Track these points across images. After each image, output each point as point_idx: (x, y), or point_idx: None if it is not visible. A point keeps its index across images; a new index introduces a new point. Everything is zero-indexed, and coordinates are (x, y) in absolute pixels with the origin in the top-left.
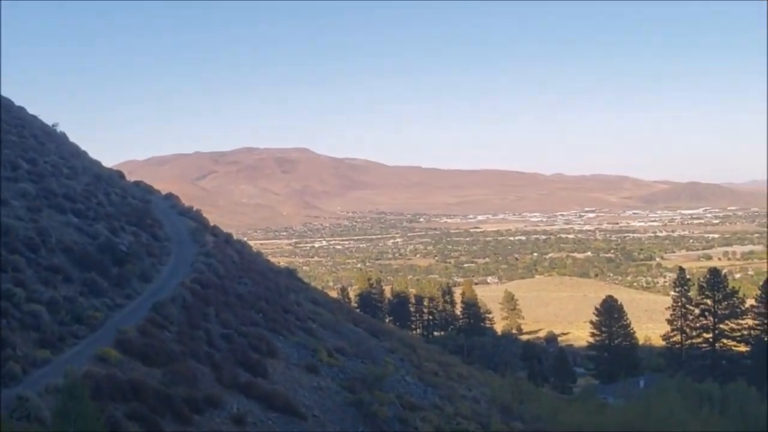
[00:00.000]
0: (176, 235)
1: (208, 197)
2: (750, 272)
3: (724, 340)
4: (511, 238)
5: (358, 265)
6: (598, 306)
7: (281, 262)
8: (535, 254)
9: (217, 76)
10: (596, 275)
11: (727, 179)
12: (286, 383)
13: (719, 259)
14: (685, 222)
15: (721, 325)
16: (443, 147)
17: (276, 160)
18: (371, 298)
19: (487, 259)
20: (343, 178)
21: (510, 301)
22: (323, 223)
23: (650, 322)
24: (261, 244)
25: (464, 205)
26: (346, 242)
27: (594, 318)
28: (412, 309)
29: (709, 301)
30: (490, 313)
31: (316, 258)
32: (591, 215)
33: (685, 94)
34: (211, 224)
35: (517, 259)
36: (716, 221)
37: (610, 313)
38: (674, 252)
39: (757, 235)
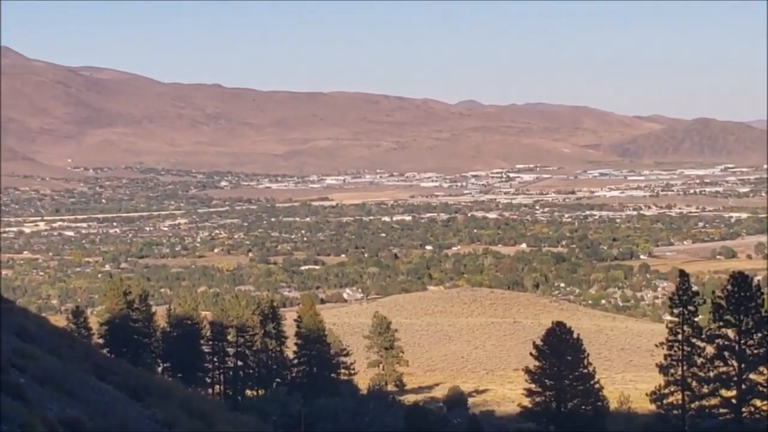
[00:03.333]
0: None
1: None
2: None
3: (758, 402)
4: (386, 219)
5: (106, 268)
6: (538, 341)
7: None
8: (428, 248)
9: None
10: (536, 286)
11: (759, 116)
12: None
13: (749, 257)
14: (690, 190)
15: (753, 375)
16: (261, 57)
17: None
18: (130, 328)
19: (344, 257)
20: (76, 103)
21: (384, 332)
22: (41, 188)
23: (630, 370)
24: None
25: (300, 158)
26: (83, 224)
27: (532, 363)
28: (206, 348)
29: (731, 333)
30: (347, 355)
31: (26, 254)
32: (528, 177)
33: None
34: None
35: (396, 256)
36: (744, 188)
37: (559, 353)
38: (671, 244)
39: None
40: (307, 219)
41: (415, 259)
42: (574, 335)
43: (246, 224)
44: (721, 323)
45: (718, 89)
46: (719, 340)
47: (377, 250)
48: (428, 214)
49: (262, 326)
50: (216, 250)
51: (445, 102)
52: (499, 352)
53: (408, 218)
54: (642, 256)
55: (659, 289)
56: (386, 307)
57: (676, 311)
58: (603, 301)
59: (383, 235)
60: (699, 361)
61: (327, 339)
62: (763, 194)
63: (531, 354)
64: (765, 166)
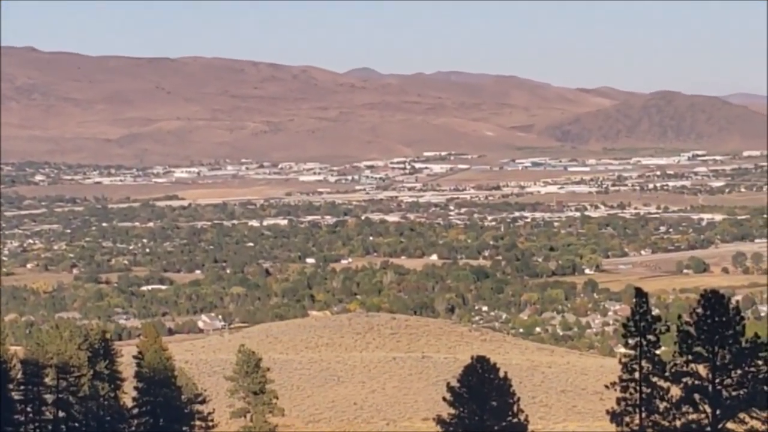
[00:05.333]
0: None
1: None
2: None
3: None
4: (254, 224)
5: None
6: (454, 382)
7: None
8: (310, 261)
9: None
10: (451, 309)
11: (738, 89)
12: None
13: (725, 271)
14: (649, 184)
15: (731, 424)
16: (88, 12)
17: None
18: None
19: (199, 274)
20: None
21: (252, 372)
22: None
23: (573, 419)
24: None
25: (140, 144)
26: None
27: (446, 411)
28: (17, 395)
29: (703, 370)
30: (204, 402)
31: None
32: (439, 168)
33: None
34: None
35: (268, 273)
36: (718, 182)
37: (481, 398)
38: (625, 255)
39: None
40: (150, 224)
41: (292, 276)
42: (501, 374)
43: (69, 231)
44: (690, 357)
45: (684, 54)
46: (688, 379)
47: (242, 264)
48: (310, 217)
49: (91, 365)
50: (29, 266)
51: (331, 70)
52: (403, 396)
53: (283, 222)
54: (587, 271)
55: (610, 313)
56: (255, 339)
57: (631, 342)
58: (538, 329)
59: (250, 244)
60: (662, 406)
61: (177, 381)
62: (743, 189)
63: (444, 399)
64: (746, 153)
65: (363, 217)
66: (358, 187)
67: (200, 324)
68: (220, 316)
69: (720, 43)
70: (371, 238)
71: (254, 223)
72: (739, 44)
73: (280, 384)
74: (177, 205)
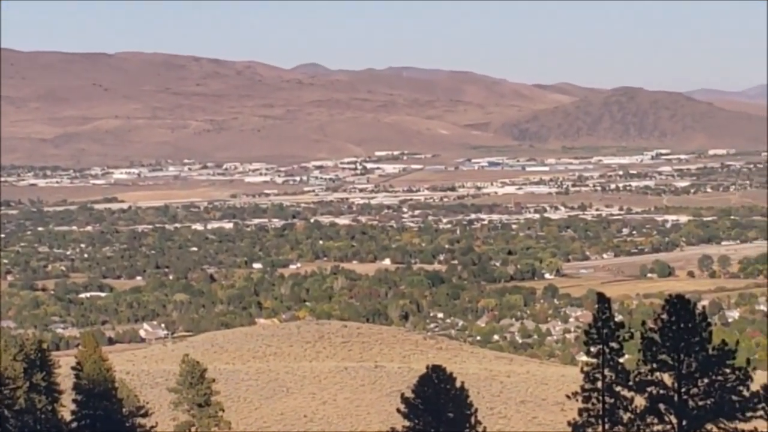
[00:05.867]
0: None
1: None
2: (761, 306)
3: None
4: (198, 227)
5: None
6: (408, 393)
7: None
8: (257, 267)
9: None
10: (405, 317)
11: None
12: None
13: (690, 274)
14: (611, 184)
15: None
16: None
17: None
18: None
19: (140, 280)
20: None
21: (197, 383)
22: None
23: (534, 429)
24: None
25: (77, 143)
26: None
27: (400, 423)
28: None
29: (668, 379)
30: (146, 414)
31: None
32: (391, 168)
33: None
34: None
35: (213, 279)
36: (683, 182)
37: (436, 409)
38: (586, 258)
39: None
40: (89, 228)
41: (238, 283)
42: (458, 384)
43: (3, 236)
44: (655, 365)
45: (646, 49)
46: (652, 389)
47: (186, 270)
48: (256, 221)
49: (26, 377)
50: None
51: (277, 66)
52: (355, 408)
53: (228, 226)
54: (547, 276)
55: (571, 319)
56: (199, 349)
57: (593, 350)
58: (496, 337)
59: (194, 249)
60: (626, 417)
61: (118, 394)
62: (709, 190)
63: (398, 410)
64: (713, 152)
65: (312, 220)
66: (306, 189)
67: (142, 333)
68: (162, 325)
69: (683, 37)
70: (321, 241)
71: (198, 226)
72: (703, 39)
73: (226, 395)
74: (116, 208)
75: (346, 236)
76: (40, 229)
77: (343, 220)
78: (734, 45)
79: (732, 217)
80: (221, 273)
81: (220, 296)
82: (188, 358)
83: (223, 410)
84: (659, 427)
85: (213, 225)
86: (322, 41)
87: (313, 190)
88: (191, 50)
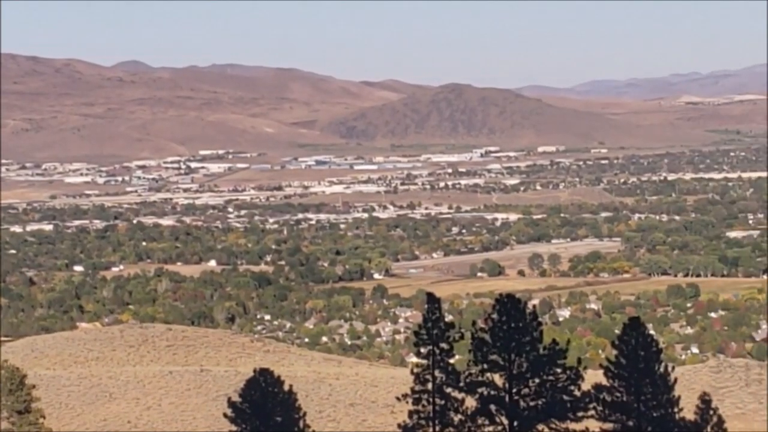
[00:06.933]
0: None
1: None
2: (592, 305)
3: None
4: (16, 230)
5: None
6: (235, 397)
7: None
8: (78, 269)
9: None
10: (231, 319)
11: (536, 81)
12: None
13: (521, 273)
14: (440, 183)
15: None
16: None
17: None
18: None
19: None
20: None
21: (16, 390)
22: None
23: None
24: None
25: None
26: None
27: (227, 428)
28: None
29: (499, 379)
30: None
31: None
32: (216, 167)
33: None
34: None
35: (32, 282)
36: (513, 180)
37: (264, 414)
38: (415, 258)
39: (606, 214)
40: None
41: (59, 286)
42: (285, 387)
43: None
44: (486, 366)
45: (474, 46)
46: (483, 389)
47: (4, 273)
48: (77, 222)
49: None
50: None
51: (97, 64)
52: (180, 413)
53: (48, 228)
54: (377, 276)
55: (401, 320)
56: (18, 354)
57: (423, 351)
58: (324, 339)
59: (12, 251)
60: (456, 418)
61: None
62: (538, 187)
63: (225, 415)
64: (541, 149)
65: (135, 221)
66: (129, 189)
67: None
68: None
69: (511, 34)
70: (144, 243)
71: (16, 228)
72: (531, 36)
73: (47, 402)
74: None
75: (170, 237)
76: None
77: (166, 221)
78: (563, 42)
79: (562, 215)
80: (41, 276)
81: (40, 300)
82: (7, 363)
83: (44, 417)
84: (490, 429)
85: (32, 227)
86: (144, 38)
87: (136, 191)
88: (7, 47)
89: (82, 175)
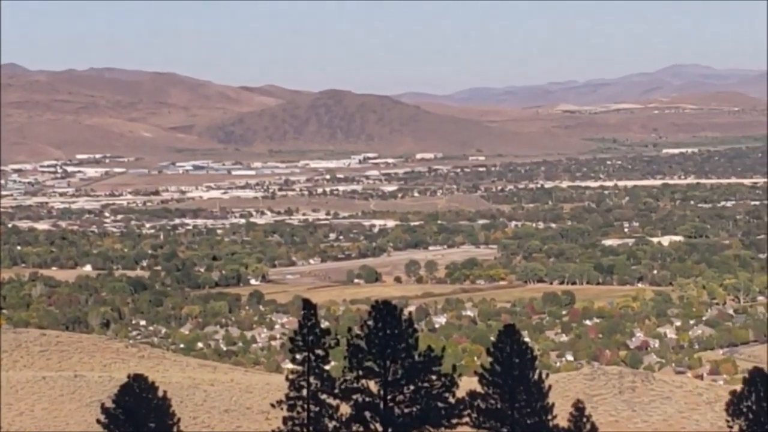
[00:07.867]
0: None
1: None
2: (468, 312)
3: None
4: None
5: None
6: (109, 403)
7: None
8: None
9: None
10: (106, 324)
11: (415, 87)
12: None
13: (398, 280)
14: (318, 188)
15: None
16: None
17: None
18: None
19: None
20: None
21: None
22: None
23: None
24: None
25: None
26: None
27: None
28: None
29: (374, 386)
30: None
31: None
32: (93, 172)
33: None
34: None
35: None
36: (390, 187)
37: (137, 420)
38: (293, 264)
39: (483, 221)
40: None
41: None
42: (160, 393)
43: None
44: (361, 372)
45: (354, 52)
46: (358, 396)
47: None
48: None
49: None
50: None
51: None
52: (53, 419)
53: None
54: (253, 281)
55: (277, 326)
56: None
57: (299, 357)
58: (200, 345)
59: None
60: (331, 425)
61: None
62: (416, 194)
63: (98, 421)
64: (420, 156)
65: (10, 225)
66: (4, 193)
67: None
68: None
69: (391, 40)
70: (19, 247)
71: None
72: (411, 43)
73: None
74: None
75: (45, 242)
76: None
77: (42, 225)
78: (442, 49)
79: (439, 221)
80: None
81: None
82: None
83: None
84: None
85: None
86: (21, 41)
87: (11, 194)
88: None
89: None
